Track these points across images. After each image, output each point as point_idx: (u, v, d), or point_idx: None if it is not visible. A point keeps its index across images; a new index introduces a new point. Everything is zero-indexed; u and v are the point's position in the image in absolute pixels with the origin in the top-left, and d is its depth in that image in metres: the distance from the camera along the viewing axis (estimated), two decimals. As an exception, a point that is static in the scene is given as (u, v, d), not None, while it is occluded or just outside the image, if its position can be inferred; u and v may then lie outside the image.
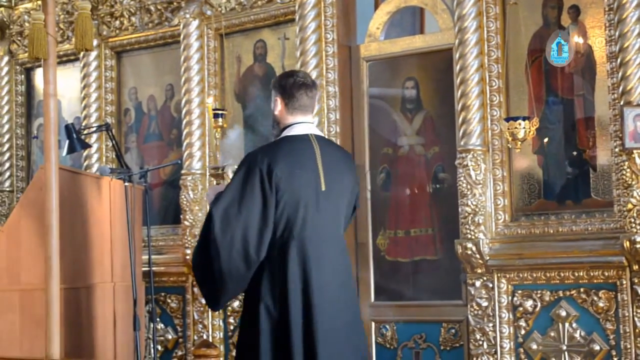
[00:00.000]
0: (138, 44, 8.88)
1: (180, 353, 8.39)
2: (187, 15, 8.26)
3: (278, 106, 4.93)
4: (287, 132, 4.91)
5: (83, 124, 8.83)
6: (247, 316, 4.78)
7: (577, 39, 6.59)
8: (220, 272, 4.73)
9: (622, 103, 6.21)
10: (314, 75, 7.45)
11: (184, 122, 8.28)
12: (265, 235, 4.68)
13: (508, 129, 6.23)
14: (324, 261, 4.74)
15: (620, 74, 6.22)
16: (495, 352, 6.74)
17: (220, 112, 7.59)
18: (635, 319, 6.26)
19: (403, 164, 7.49)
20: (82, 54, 8.82)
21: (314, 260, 4.70)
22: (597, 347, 6.43)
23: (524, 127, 6.20)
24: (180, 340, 8.40)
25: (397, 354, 7.42)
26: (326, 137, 5.04)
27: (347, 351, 4.74)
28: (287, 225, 4.71)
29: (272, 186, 4.66)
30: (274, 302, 4.68)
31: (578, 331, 6.51)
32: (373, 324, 7.55)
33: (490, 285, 6.78)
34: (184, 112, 8.28)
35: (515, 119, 6.25)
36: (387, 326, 7.46)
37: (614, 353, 6.38)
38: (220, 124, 7.53)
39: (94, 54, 8.83)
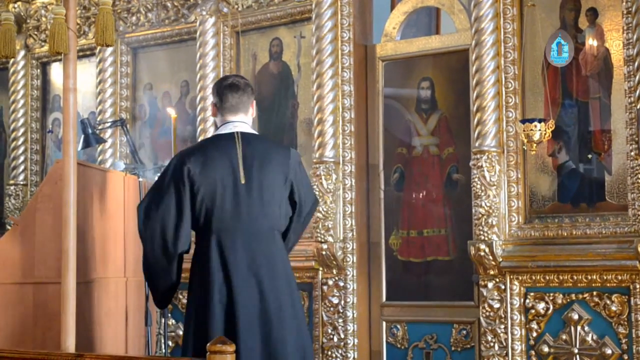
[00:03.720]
0: (154, 40, 8.89)
1: (190, 349, 8.38)
2: (204, 13, 8.28)
3: (212, 108, 5.39)
4: (216, 132, 5.32)
5: (98, 119, 8.85)
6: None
7: (594, 42, 6.59)
8: (147, 267, 5.26)
9: (638, 107, 6.21)
10: (329, 74, 7.47)
11: (198, 118, 8.30)
12: (182, 229, 5.09)
13: (523, 130, 6.23)
14: (242, 250, 5.06)
15: (637, 77, 6.22)
16: (507, 354, 6.74)
17: (235, 109, 7.57)
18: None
19: (417, 164, 7.49)
20: (98, 49, 8.85)
21: (231, 249, 5.04)
22: (609, 351, 6.43)
23: (540, 129, 6.20)
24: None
25: (407, 354, 7.43)
26: (259, 134, 5.31)
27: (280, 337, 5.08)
28: (207, 216, 5.07)
29: (185, 181, 5.05)
30: (200, 288, 5.11)
31: (590, 335, 6.50)
32: (384, 323, 7.55)
33: (503, 287, 6.78)
34: (198, 108, 8.29)
35: (531, 121, 6.25)
36: (399, 326, 7.47)
37: (625, 357, 6.37)
38: (233, 121, 7.51)
39: (110, 49, 8.84)
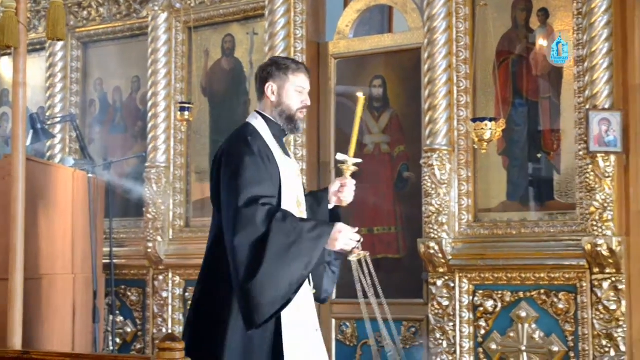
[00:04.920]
0: (105, 35, 8.83)
1: (139, 346, 8.35)
2: (156, 8, 8.24)
3: None
4: None
5: (47, 114, 8.77)
6: None
7: (544, 42, 6.65)
8: None
9: (587, 107, 6.27)
10: (282, 70, 7.46)
11: (149, 114, 8.26)
12: None
13: (474, 129, 6.26)
14: None
15: (587, 78, 6.29)
16: (455, 352, 6.78)
17: (186, 105, 7.56)
18: (594, 321, 6.33)
19: (368, 162, 7.48)
20: (48, 43, 8.77)
21: None
22: (555, 349, 6.49)
23: (490, 128, 6.22)
24: (139, 333, 8.37)
25: (356, 351, 7.44)
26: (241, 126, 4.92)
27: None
28: None
29: None
30: None
31: (537, 332, 6.56)
32: (334, 321, 7.56)
33: (452, 284, 6.82)
34: (149, 104, 8.26)
35: (482, 120, 6.27)
36: (348, 323, 7.48)
37: (572, 355, 6.44)
38: (186, 117, 7.50)
39: (60, 44, 8.76)
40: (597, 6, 6.26)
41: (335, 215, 4.90)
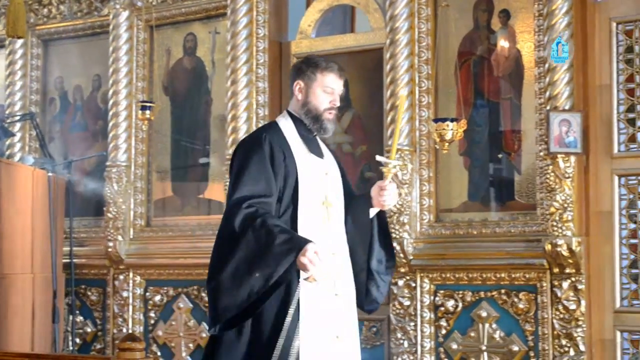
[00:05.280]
0: (66, 33, 8.77)
1: (99, 346, 8.30)
2: (117, 6, 8.19)
3: None
4: None
5: (7, 112, 8.70)
6: None
7: (506, 43, 6.68)
8: None
9: (548, 108, 6.31)
10: (244, 70, 7.46)
11: (110, 113, 8.21)
12: None
13: (436, 130, 6.27)
14: None
15: (547, 79, 6.32)
16: (416, 351, 6.79)
17: (147, 104, 7.52)
18: (554, 321, 6.36)
19: (330, 162, 7.49)
20: (8, 41, 8.69)
21: None
22: (515, 348, 6.52)
23: (452, 129, 6.23)
24: (100, 333, 8.32)
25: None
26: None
27: None
28: None
29: None
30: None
31: (497, 332, 6.59)
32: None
33: (413, 284, 6.83)
34: (110, 103, 8.20)
35: (443, 120, 6.28)
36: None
37: (532, 354, 6.47)
38: (147, 116, 7.46)
39: (20, 41, 8.68)
40: (558, 8, 6.30)
41: (381, 220, 4.76)
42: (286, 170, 4.48)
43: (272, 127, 4.64)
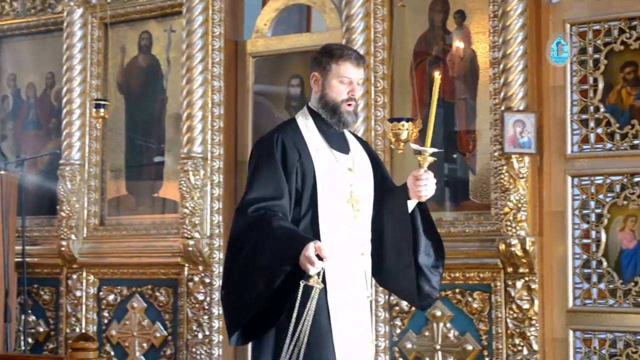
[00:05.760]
0: (19, 30, 8.69)
1: (51, 346, 8.24)
2: (72, 3, 8.12)
3: None
4: None
5: (-42, 109, 8.62)
6: None
7: (461, 44, 6.71)
8: None
9: (503, 108, 6.34)
10: (199, 69, 7.43)
11: (64, 111, 8.14)
12: None
13: (391, 129, 6.28)
14: None
15: (502, 79, 6.36)
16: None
17: (102, 102, 7.47)
18: (508, 320, 6.41)
19: (286, 161, 7.49)
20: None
21: None
22: (469, 347, 6.55)
23: (407, 129, 6.24)
24: (52, 333, 8.25)
25: (272, 351, 7.42)
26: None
27: None
28: None
29: None
30: None
31: (452, 331, 6.62)
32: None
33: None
34: (64, 101, 8.14)
35: (399, 120, 6.29)
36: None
37: (485, 353, 6.51)
38: (101, 114, 7.41)
39: (-29, 38, 8.62)
40: (513, 9, 6.34)
41: (423, 211, 4.45)
42: (302, 169, 4.24)
43: (288, 125, 4.40)
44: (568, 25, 6.48)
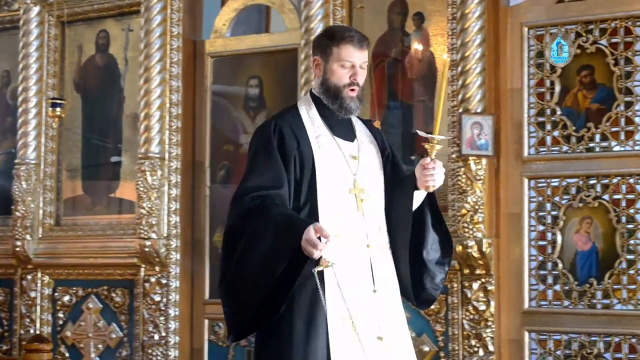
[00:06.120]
0: (-26, 27, 8.62)
1: (5, 347, 8.16)
2: (28, 1, 8.06)
3: None
4: None
5: None
6: None
7: (420, 46, 6.73)
8: None
9: (460, 110, 6.37)
10: (157, 68, 7.40)
11: (19, 110, 8.07)
12: None
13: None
14: None
15: (460, 82, 6.39)
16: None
17: (58, 101, 7.42)
18: (464, 321, 6.43)
19: (244, 161, 7.44)
20: None
21: None
22: (426, 348, 6.57)
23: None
24: (6, 334, 8.18)
25: (229, 352, 7.41)
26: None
27: None
28: None
29: None
30: None
31: (411, 332, 6.62)
32: (207, 321, 7.51)
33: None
34: (20, 99, 8.07)
35: (357, 121, 6.28)
36: (221, 324, 7.43)
37: (442, 354, 6.53)
38: (58, 113, 7.36)
39: None
40: (471, 12, 6.37)
41: (432, 203, 4.24)
42: (301, 157, 4.04)
43: (288, 112, 4.23)
44: (526, 29, 6.52)
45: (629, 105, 6.24)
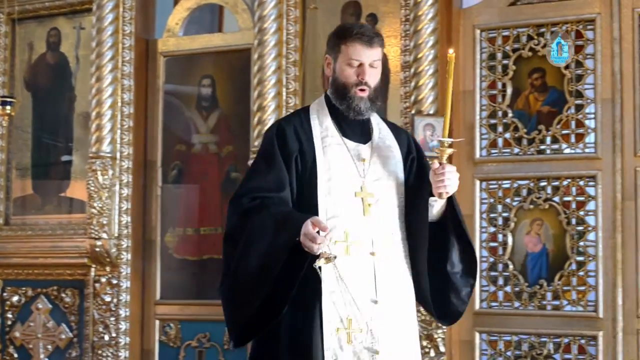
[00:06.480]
0: None
1: (-49, 349, 8.08)
2: (-23, -2, 7.98)
3: None
4: None
5: None
6: None
7: (373, 47, 6.73)
8: None
9: (413, 112, 6.38)
10: (109, 67, 7.33)
11: (-30, 108, 7.98)
12: None
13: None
14: None
15: (413, 83, 6.41)
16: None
17: (8, 99, 7.33)
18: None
19: (196, 161, 7.45)
20: None
21: None
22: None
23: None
24: (-46, 335, 8.10)
25: (180, 353, 7.37)
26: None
27: None
28: None
29: None
30: None
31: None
32: (157, 322, 7.47)
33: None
34: (-31, 98, 7.98)
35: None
36: (172, 324, 7.40)
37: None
38: (8, 112, 7.27)
39: None
40: (424, 14, 6.39)
41: (453, 211, 4.00)
42: (303, 159, 3.91)
43: (297, 114, 4.13)
44: (478, 31, 6.56)
45: (579, 108, 6.30)
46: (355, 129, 4.02)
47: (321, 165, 3.90)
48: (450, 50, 3.80)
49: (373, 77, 3.99)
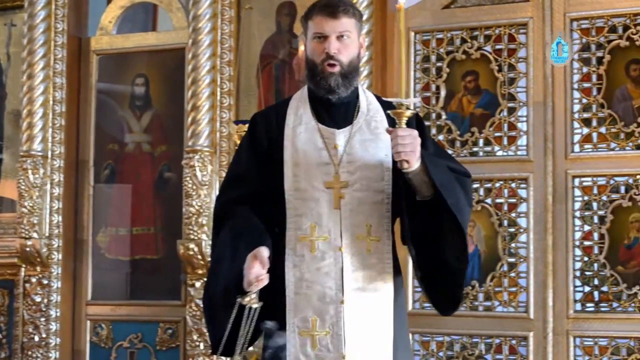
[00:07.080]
0: None
1: None
2: None
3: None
4: None
5: None
6: None
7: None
8: None
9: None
10: (40, 65, 7.26)
11: None
12: None
13: (237, 131, 6.25)
14: None
15: (349, 84, 6.42)
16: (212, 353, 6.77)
17: (-64, 97, 7.26)
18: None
19: (129, 161, 7.41)
20: None
21: None
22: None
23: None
24: None
25: (111, 354, 7.32)
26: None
27: None
28: None
29: None
30: None
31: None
32: (89, 322, 7.41)
33: (210, 286, 6.81)
34: None
35: (244, 122, 6.24)
36: (103, 325, 7.35)
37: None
38: (-64, 109, 7.19)
39: None
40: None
41: (439, 191, 3.63)
42: (271, 150, 3.70)
43: (276, 104, 4.00)
44: (412, 34, 6.59)
45: (512, 111, 6.36)
46: (336, 113, 3.73)
47: (288, 158, 3.66)
48: (401, 1, 3.50)
49: (344, 51, 3.65)
